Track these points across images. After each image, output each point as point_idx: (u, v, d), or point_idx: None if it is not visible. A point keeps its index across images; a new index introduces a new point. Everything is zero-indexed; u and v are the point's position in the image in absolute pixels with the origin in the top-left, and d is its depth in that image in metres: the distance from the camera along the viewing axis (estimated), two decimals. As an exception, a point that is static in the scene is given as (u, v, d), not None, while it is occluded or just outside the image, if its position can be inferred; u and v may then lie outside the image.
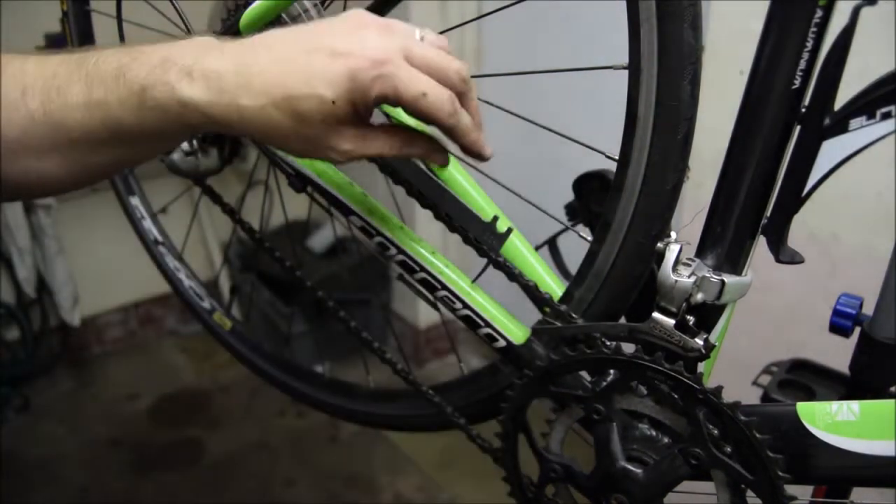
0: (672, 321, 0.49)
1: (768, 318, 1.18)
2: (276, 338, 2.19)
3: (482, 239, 0.60)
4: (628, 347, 0.51)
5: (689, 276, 0.48)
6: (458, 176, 0.67)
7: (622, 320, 0.59)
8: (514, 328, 0.59)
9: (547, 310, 0.59)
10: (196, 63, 0.42)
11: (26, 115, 0.43)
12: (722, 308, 0.51)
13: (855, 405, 0.45)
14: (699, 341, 0.49)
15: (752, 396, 0.66)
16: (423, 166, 0.62)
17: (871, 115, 0.42)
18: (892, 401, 0.44)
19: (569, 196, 0.69)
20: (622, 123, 0.51)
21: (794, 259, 0.49)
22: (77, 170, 0.46)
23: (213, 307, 0.90)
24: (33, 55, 0.45)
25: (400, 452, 1.91)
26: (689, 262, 0.50)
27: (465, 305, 0.59)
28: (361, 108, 0.44)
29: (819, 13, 0.42)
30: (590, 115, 1.61)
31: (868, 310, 0.61)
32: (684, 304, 0.49)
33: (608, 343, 0.52)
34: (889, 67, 0.43)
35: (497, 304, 0.60)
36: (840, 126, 0.43)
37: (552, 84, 1.75)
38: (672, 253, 0.50)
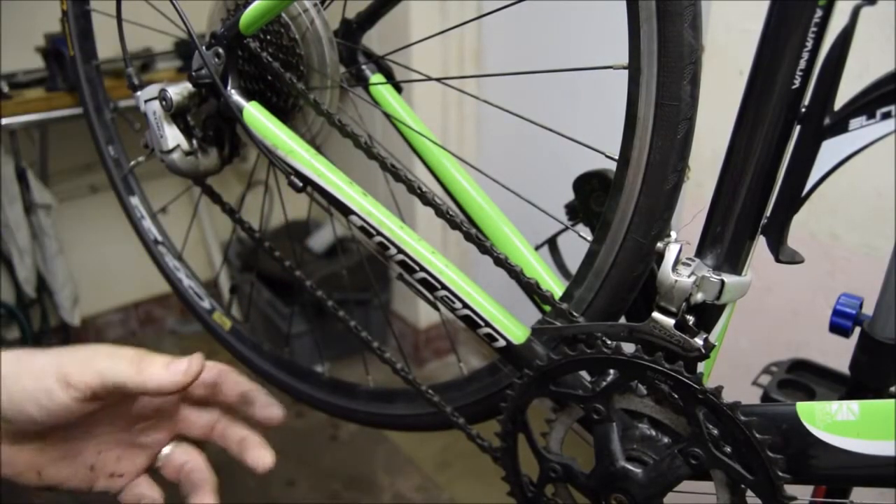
0: (672, 321, 0.49)
1: (768, 318, 1.18)
2: (276, 338, 2.19)
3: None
4: (628, 347, 0.51)
5: (688, 276, 0.48)
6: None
7: (622, 320, 0.59)
8: (513, 328, 0.59)
9: (548, 309, 0.59)
10: None
11: None
12: (722, 308, 0.51)
13: (855, 405, 0.45)
14: (699, 341, 0.49)
15: (752, 396, 0.66)
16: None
17: (871, 115, 0.42)
18: (892, 401, 0.44)
19: (569, 196, 0.69)
20: (622, 123, 0.51)
21: (794, 259, 0.49)
22: None
23: (213, 307, 0.90)
24: None
25: (400, 452, 1.91)
26: (689, 262, 0.50)
27: (465, 305, 0.59)
28: None
29: (819, 13, 0.42)
30: (589, 115, 1.61)
31: (868, 310, 0.61)
32: (684, 304, 0.49)
33: (608, 343, 0.52)
34: (889, 67, 0.43)
35: (497, 303, 0.60)
36: (840, 126, 0.43)
37: (552, 84, 1.75)
38: (672, 253, 0.50)
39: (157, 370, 0.46)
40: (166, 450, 0.52)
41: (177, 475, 0.51)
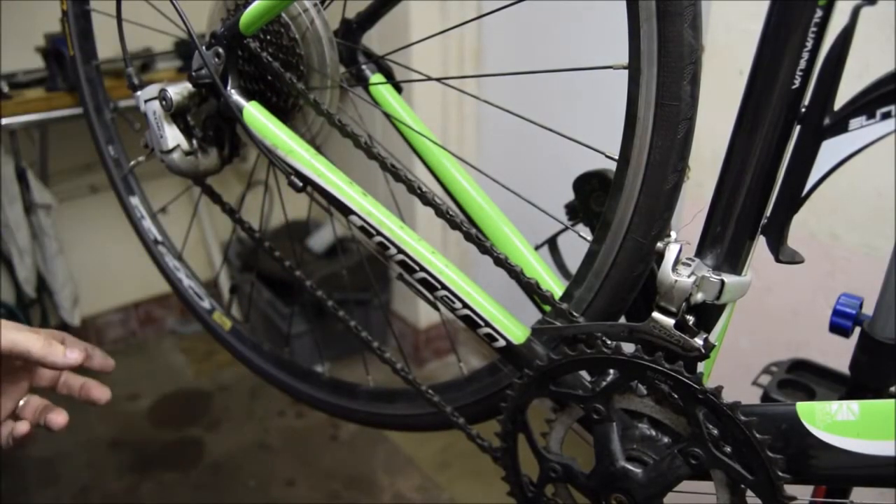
0: (672, 321, 0.49)
1: (768, 318, 1.18)
2: (276, 338, 2.19)
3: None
4: (628, 347, 0.51)
5: (688, 276, 0.48)
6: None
7: (622, 320, 0.59)
8: (513, 328, 0.59)
9: (548, 309, 0.59)
10: None
11: None
12: (722, 308, 0.51)
13: (854, 405, 0.45)
14: (699, 341, 0.49)
15: (752, 396, 0.66)
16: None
17: (871, 115, 0.42)
18: (892, 401, 0.44)
19: (569, 196, 0.69)
20: (622, 123, 0.51)
21: (794, 259, 0.49)
22: None
23: (213, 307, 0.90)
24: None
25: (400, 452, 1.91)
26: (689, 262, 0.50)
27: (465, 305, 0.59)
28: None
29: (819, 13, 0.42)
30: (589, 115, 1.61)
31: (868, 310, 0.61)
32: (684, 304, 0.49)
33: (608, 343, 0.52)
34: (889, 67, 0.43)
35: (497, 303, 0.60)
36: (840, 126, 0.43)
37: (552, 84, 1.75)
38: (672, 253, 0.50)
39: (59, 351, 0.61)
40: (24, 399, 0.66)
41: (31, 416, 0.66)
